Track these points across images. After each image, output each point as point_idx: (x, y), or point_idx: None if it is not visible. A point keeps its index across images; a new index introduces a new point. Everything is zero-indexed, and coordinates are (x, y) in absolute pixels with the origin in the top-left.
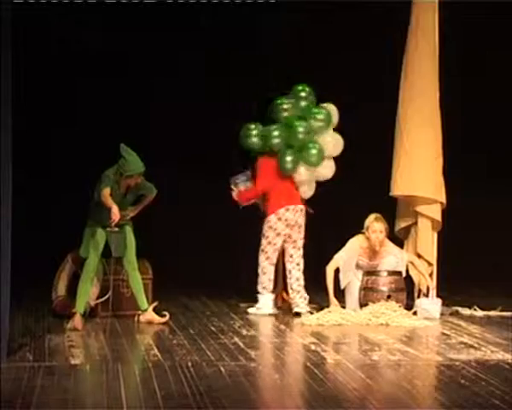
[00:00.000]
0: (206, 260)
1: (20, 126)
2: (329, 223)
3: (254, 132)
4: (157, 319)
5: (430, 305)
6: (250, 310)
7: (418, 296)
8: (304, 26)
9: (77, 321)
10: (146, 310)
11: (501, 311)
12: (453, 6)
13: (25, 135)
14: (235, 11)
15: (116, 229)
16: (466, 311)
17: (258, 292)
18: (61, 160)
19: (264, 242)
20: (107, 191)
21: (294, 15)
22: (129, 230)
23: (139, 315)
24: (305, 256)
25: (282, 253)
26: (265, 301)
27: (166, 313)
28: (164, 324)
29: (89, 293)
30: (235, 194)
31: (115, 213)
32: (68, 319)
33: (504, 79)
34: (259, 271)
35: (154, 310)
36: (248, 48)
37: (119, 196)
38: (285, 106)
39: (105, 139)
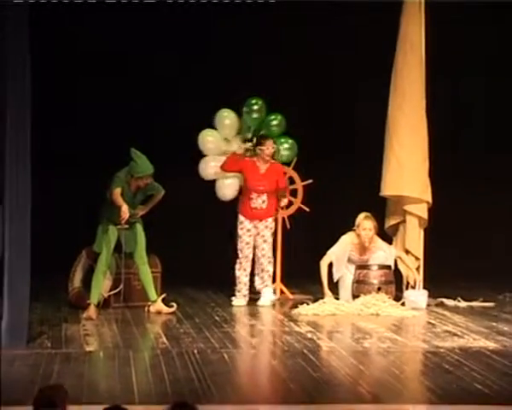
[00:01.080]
0: (211, 256)
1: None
2: (323, 221)
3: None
4: (165, 309)
5: (417, 296)
6: (265, 302)
7: (406, 288)
8: (301, 27)
9: (91, 311)
10: (155, 301)
11: (482, 302)
12: (439, 18)
13: (36, 134)
14: (236, 11)
15: (126, 226)
16: (450, 302)
17: (267, 286)
18: (78, 162)
19: (271, 239)
20: (117, 191)
21: (293, 16)
22: (139, 227)
23: (149, 306)
24: (302, 252)
25: (281, 247)
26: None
27: (174, 303)
28: (172, 314)
29: (102, 285)
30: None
31: (124, 211)
32: (83, 310)
33: (487, 84)
34: (271, 266)
35: (163, 301)
36: (249, 48)
37: (129, 196)
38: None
39: (116, 141)
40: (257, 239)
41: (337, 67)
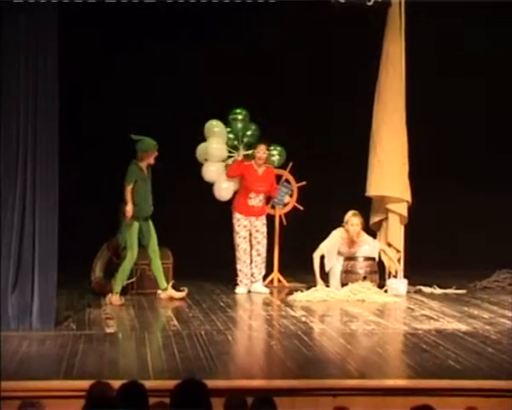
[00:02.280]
0: (216, 250)
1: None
2: (316, 218)
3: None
4: (176, 294)
5: (398, 284)
6: (265, 289)
7: (388, 277)
8: (300, 28)
9: (114, 299)
10: (166, 289)
11: (456, 289)
12: (418, 38)
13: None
14: (236, 11)
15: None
16: (427, 289)
17: (261, 273)
18: (99, 163)
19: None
20: (129, 189)
21: (293, 16)
22: (151, 223)
23: (159, 294)
24: (297, 246)
25: (278, 241)
26: None
27: (185, 288)
28: (182, 299)
29: (127, 276)
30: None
31: (129, 210)
32: (104, 296)
33: (463, 93)
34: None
35: (173, 287)
36: (249, 48)
37: (145, 189)
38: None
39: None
40: (257, 236)
41: (334, 70)
